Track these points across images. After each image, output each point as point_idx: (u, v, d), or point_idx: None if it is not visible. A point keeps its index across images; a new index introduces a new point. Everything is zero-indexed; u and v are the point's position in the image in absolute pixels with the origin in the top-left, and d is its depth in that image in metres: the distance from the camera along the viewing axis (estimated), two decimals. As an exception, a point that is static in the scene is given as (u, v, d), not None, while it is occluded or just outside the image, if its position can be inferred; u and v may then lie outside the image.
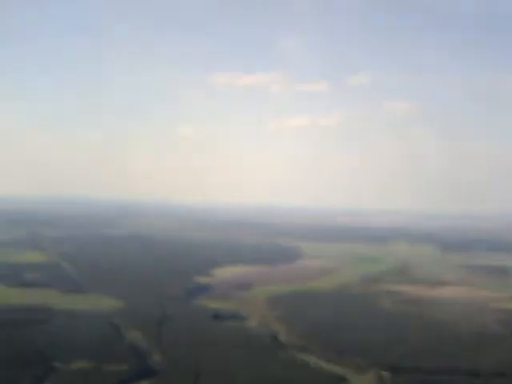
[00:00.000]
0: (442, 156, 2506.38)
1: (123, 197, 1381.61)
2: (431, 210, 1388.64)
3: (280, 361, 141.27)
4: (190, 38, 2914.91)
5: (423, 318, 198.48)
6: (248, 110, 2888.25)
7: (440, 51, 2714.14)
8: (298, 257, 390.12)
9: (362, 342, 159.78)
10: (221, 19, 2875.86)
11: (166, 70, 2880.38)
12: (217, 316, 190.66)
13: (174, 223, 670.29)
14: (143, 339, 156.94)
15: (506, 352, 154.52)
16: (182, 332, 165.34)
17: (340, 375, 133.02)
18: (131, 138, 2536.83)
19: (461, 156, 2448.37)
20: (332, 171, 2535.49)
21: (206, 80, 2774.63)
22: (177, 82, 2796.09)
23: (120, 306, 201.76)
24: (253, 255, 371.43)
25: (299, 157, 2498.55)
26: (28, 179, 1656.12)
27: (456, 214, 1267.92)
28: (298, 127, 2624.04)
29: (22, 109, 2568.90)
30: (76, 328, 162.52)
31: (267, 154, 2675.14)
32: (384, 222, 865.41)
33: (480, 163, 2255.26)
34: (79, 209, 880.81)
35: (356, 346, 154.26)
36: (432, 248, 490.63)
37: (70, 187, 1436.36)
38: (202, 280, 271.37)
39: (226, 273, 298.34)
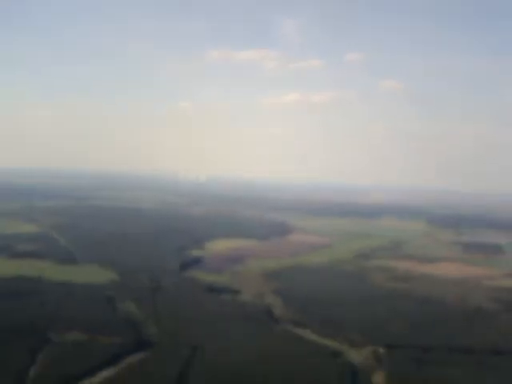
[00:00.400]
0: (432, 134, 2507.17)
1: (120, 171, 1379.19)
2: (421, 186, 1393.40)
3: (275, 335, 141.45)
4: (187, 14, 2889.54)
5: (416, 294, 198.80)
6: (243, 86, 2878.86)
7: (434, 33, 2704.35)
8: (291, 231, 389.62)
9: (356, 317, 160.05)
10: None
11: (160, 46, 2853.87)
12: (211, 289, 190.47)
13: (169, 197, 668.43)
14: (137, 311, 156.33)
15: (500, 329, 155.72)
16: (177, 305, 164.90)
17: (336, 350, 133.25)
18: (130, 112, 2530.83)
19: (450, 135, 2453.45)
20: (324, 147, 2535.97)
21: (202, 55, 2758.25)
22: (173, 57, 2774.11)
23: (114, 278, 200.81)
24: (246, 229, 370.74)
25: (292, 133, 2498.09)
26: (21, 152, 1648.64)
27: (445, 190, 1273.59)
28: (292, 103, 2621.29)
29: (17, 81, 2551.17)
30: (70, 299, 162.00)
31: (262, 129, 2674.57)
32: (375, 199, 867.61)
33: (467, 142, 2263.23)
34: (75, 182, 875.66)
35: (350, 322, 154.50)
36: (423, 224, 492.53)
37: (64, 160, 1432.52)
38: (196, 253, 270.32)
39: (220, 246, 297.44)
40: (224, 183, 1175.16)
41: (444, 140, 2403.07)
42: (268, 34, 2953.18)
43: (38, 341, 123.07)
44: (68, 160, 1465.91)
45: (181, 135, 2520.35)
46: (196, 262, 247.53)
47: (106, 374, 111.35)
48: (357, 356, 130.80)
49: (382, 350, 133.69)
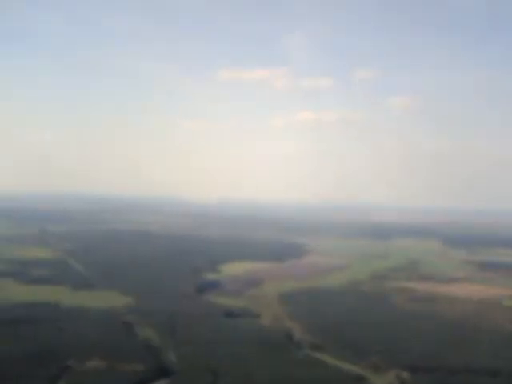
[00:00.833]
0: (444, 152, 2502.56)
1: (131, 193, 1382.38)
2: (433, 205, 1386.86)
3: (296, 360, 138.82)
4: (196, 33, 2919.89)
5: (437, 316, 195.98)
6: (253, 105, 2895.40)
7: (442, 48, 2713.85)
8: (306, 253, 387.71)
9: (378, 340, 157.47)
10: (226, 15, 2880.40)
11: (170, 66, 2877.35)
12: (229, 313, 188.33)
13: (181, 219, 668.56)
14: (156, 337, 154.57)
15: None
16: (196, 330, 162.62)
17: (359, 375, 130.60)
18: (138, 133, 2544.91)
19: (461, 152, 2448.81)
20: (336, 167, 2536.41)
21: (212, 75, 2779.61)
22: (183, 77, 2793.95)
23: (130, 303, 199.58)
24: (261, 251, 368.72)
25: (303, 152, 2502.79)
26: (32, 176, 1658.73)
27: (458, 209, 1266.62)
28: (301, 122, 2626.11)
29: (25, 108, 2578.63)
30: (88, 325, 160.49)
31: (273, 149, 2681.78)
32: (388, 218, 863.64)
33: (480, 159, 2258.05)
34: (86, 205, 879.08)
35: (372, 345, 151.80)
36: (437, 244, 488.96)
37: (74, 184, 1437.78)
38: (212, 276, 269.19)
39: (236, 269, 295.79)
40: (235, 204, 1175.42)
41: (456, 157, 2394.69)
42: (277, 52, 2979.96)
43: (58, 369, 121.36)
44: (76, 183, 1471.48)
45: (191, 156, 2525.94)
46: (212, 285, 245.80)
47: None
48: (381, 381, 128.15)
49: (406, 374, 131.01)
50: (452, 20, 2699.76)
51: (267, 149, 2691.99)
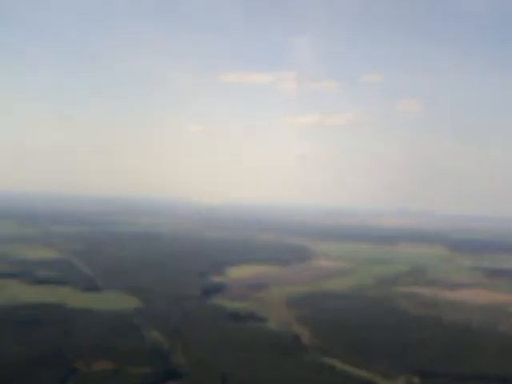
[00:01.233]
0: (451, 156, 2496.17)
1: (136, 195, 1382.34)
2: (440, 210, 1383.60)
3: (306, 364, 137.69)
4: (202, 36, 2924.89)
5: (445, 321, 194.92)
6: (259, 108, 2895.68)
7: (452, 52, 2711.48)
8: (311, 257, 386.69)
9: (386, 345, 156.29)
10: (233, 17, 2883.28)
11: (176, 68, 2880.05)
12: (236, 316, 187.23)
13: (187, 222, 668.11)
14: (164, 340, 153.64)
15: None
16: (203, 333, 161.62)
17: (369, 380, 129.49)
18: (142, 135, 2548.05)
19: (469, 157, 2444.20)
20: (343, 171, 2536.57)
21: (216, 78, 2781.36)
22: (189, 80, 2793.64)
23: (137, 305, 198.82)
24: (266, 254, 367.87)
25: (309, 155, 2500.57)
26: (39, 177, 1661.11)
27: (462, 214, 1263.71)
28: (308, 125, 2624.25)
29: (33, 108, 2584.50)
30: (95, 327, 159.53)
31: (278, 151, 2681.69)
32: (392, 223, 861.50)
33: (489, 165, 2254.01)
34: (91, 207, 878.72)
35: (381, 350, 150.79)
36: (442, 249, 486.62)
37: (81, 186, 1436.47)
38: (217, 279, 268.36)
39: (241, 272, 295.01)
40: (238, 207, 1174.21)
41: (463, 162, 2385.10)
42: (283, 55, 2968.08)
43: (66, 371, 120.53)
44: (79, 185, 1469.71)
45: (193, 158, 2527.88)
46: (218, 288, 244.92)
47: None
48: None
49: (416, 380, 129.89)
50: (464, 23, 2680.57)
51: (272, 152, 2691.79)
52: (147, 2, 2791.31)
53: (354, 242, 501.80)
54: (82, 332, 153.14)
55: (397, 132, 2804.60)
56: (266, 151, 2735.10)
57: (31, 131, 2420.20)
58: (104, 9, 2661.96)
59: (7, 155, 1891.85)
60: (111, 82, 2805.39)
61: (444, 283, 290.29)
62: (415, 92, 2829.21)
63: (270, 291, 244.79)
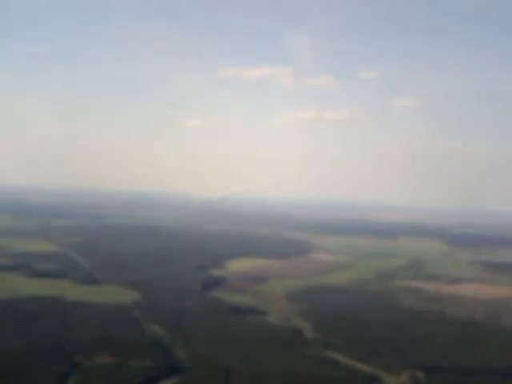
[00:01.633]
0: (447, 153, 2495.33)
1: (136, 189, 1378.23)
2: (437, 205, 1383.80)
3: (309, 358, 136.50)
4: (199, 31, 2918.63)
5: (447, 315, 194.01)
6: (257, 103, 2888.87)
7: (449, 49, 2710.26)
8: (310, 250, 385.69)
9: (389, 339, 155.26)
10: (232, 14, 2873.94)
11: (176, 66, 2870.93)
12: (237, 310, 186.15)
13: (186, 215, 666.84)
14: (165, 333, 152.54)
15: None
16: (204, 327, 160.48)
17: (373, 375, 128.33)
18: (141, 129, 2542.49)
19: (465, 153, 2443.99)
20: (341, 166, 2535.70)
21: (215, 73, 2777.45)
22: (186, 75, 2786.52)
23: (137, 298, 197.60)
24: (266, 248, 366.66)
25: (307, 150, 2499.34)
26: (37, 170, 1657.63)
27: (462, 210, 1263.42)
28: (305, 121, 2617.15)
29: (33, 100, 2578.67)
30: (95, 321, 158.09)
31: (276, 146, 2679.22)
32: (393, 218, 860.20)
33: (485, 160, 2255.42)
34: (91, 200, 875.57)
35: (384, 344, 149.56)
36: (441, 244, 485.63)
37: (79, 179, 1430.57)
38: (217, 272, 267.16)
39: (241, 265, 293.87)
40: (237, 201, 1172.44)
41: (460, 158, 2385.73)
42: (281, 50, 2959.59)
43: (67, 365, 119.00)
44: (80, 178, 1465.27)
45: (193, 153, 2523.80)
46: (218, 281, 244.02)
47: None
48: (395, 381, 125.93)
49: (420, 375, 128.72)
50: (461, 21, 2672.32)
51: (269, 147, 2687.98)
52: (147, 2, 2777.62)
53: (353, 236, 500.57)
54: (81, 325, 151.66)
55: (394, 128, 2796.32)
56: (264, 145, 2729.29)
57: (30, 127, 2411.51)
58: (104, 9, 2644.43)
59: (4, 148, 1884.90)
60: (111, 80, 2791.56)
61: (444, 278, 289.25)
62: (412, 89, 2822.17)
63: (270, 285, 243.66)
